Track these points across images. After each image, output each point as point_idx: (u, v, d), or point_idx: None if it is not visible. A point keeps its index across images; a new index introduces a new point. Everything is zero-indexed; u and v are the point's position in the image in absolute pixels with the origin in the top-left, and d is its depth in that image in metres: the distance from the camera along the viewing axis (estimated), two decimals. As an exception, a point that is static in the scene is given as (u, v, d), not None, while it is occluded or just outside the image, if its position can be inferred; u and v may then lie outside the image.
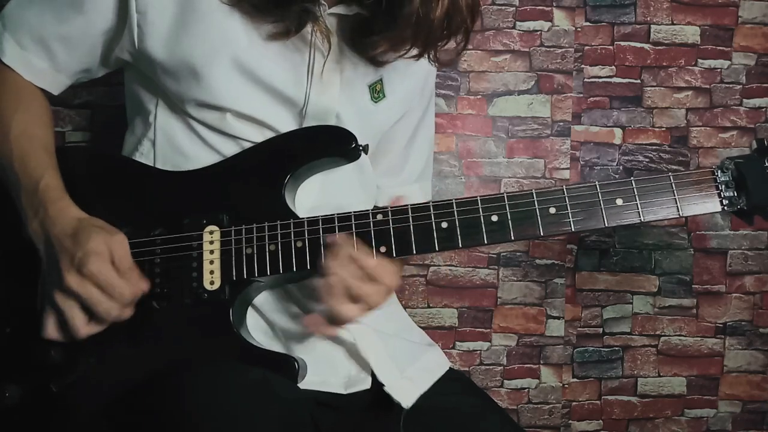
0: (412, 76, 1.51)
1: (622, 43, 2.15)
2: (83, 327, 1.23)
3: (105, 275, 1.20)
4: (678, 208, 1.25)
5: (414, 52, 1.37)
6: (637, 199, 1.24)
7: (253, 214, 1.29)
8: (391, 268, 1.29)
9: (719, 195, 1.25)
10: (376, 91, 1.44)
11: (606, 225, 1.25)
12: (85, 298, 1.20)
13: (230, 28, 1.31)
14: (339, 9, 1.35)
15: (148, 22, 1.31)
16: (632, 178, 1.26)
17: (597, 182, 1.25)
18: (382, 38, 1.34)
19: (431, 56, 1.41)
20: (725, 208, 1.25)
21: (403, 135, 1.59)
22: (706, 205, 1.25)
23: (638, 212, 1.25)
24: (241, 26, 1.32)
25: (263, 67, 1.33)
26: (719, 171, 1.25)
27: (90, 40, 1.37)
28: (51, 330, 1.25)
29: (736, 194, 1.25)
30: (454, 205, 1.26)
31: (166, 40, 1.31)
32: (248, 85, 1.34)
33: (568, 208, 1.25)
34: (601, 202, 1.25)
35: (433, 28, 1.31)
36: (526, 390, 2.20)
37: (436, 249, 1.27)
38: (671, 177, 1.25)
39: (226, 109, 1.34)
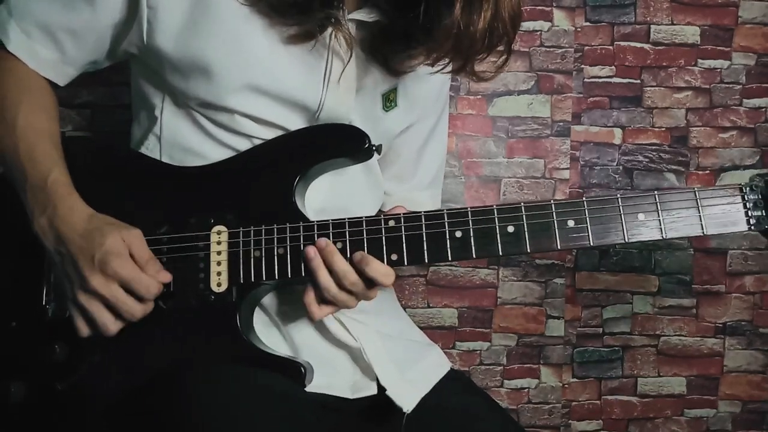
0: (426, 86, 1.49)
1: (622, 43, 2.15)
2: (113, 324, 1.23)
3: (130, 273, 1.20)
4: (702, 226, 1.19)
5: (454, 65, 1.31)
6: (660, 214, 1.20)
7: (261, 215, 1.28)
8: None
9: (746, 214, 1.20)
10: (389, 100, 1.42)
11: (627, 241, 1.20)
12: (109, 297, 1.20)
13: (246, 30, 1.28)
14: (359, 15, 1.32)
15: (159, 19, 1.27)
16: (656, 191, 1.21)
17: (618, 195, 1.21)
18: (419, 52, 1.30)
19: (468, 70, 1.34)
20: (752, 228, 1.20)
21: (414, 141, 1.57)
22: (732, 224, 1.20)
23: (660, 229, 1.19)
24: (259, 29, 1.28)
25: (278, 73, 1.30)
26: (748, 189, 1.20)
27: (98, 33, 1.34)
28: (84, 330, 1.25)
29: (765, 214, 1.19)
30: (469, 213, 1.23)
31: (176, 38, 1.28)
32: (260, 92, 1.31)
33: (588, 222, 1.21)
34: (623, 216, 1.20)
35: (475, 41, 1.25)
36: (526, 390, 2.20)
37: (449, 258, 1.23)
38: (696, 192, 1.20)
39: (236, 111, 1.31)
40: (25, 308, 1.32)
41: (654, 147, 2.16)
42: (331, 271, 1.24)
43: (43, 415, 1.30)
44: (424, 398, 1.42)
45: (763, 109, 2.17)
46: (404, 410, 1.37)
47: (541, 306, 2.18)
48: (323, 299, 1.25)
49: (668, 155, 2.16)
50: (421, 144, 1.59)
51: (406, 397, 1.39)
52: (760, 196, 1.19)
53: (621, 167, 2.16)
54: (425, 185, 1.63)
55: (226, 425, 1.12)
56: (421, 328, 1.67)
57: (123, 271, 1.19)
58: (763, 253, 2.19)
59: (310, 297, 1.25)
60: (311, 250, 1.23)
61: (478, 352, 2.18)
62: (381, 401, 1.39)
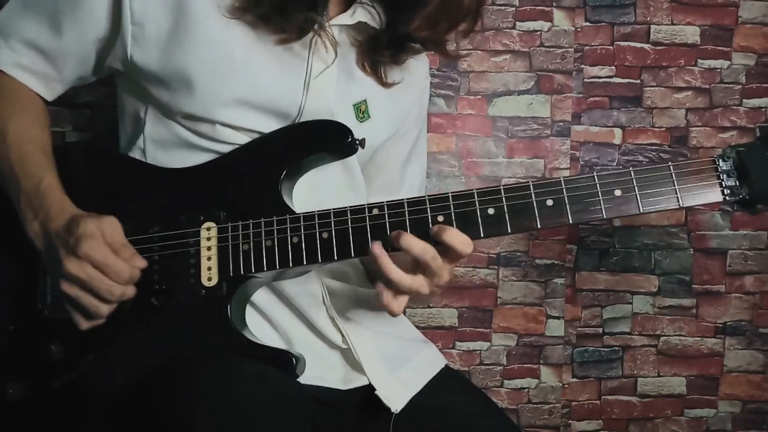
0: (400, 98, 1.49)
1: (622, 43, 2.15)
2: (100, 306, 1.23)
3: (99, 254, 1.20)
4: (678, 199, 1.20)
5: (444, 28, 1.39)
6: (636, 189, 1.20)
7: (250, 210, 1.29)
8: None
9: (720, 184, 1.20)
10: (361, 111, 1.42)
11: (604, 216, 1.21)
12: (85, 279, 1.20)
13: (229, 43, 1.29)
14: (341, 20, 1.34)
15: (144, 34, 1.29)
16: (631, 168, 1.21)
17: (595, 173, 1.22)
18: (416, 17, 1.35)
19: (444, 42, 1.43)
20: (727, 197, 1.20)
21: (400, 153, 1.57)
22: (707, 195, 1.20)
23: (637, 203, 1.20)
24: (242, 40, 1.30)
25: (262, 83, 1.32)
26: (720, 160, 1.20)
27: (84, 50, 1.36)
28: (81, 321, 1.25)
29: (738, 183, 1.19)
30: (450, 198, 1.24)
31: (160, 53, 1.29)
32: (244, 104, 1.32)
33: (566, 200, 1.21)
34: (600, 193, 1.21)
35: (465, 8, 1.35)
36: (526, 390, 2.20)
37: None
38: (671, 167, 1.20)
39: (218, 122, 1.32)
40: (22, 311, 1.33)
41: (654, 147, 2.16)
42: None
43: (41, 413, 1.30)
44: (419, 396, 1.43)
45: (763, 109, 2.17)
46: (392, 410, 1.38)
47: (541, 306, 2.19)
48: (398, 292, 1.23)
49: (668, 155, 2.16)
50: (407, 155, 1.59)
51: (396, 397, 1.40)
52: (732, 167, 1.20)
53: (621, 167, 2.15)
54: (414, 193, 1.60)
55: (224, 418, 1.12)
56: (421, 328, 1.67)
57: (94, 253, 1.19)
58: (763, 253, 2.19)
59: (387, 297, 1.22)
60: (377, 247, 1.21)
61: (478, 352, 2.19)
62: (374, 396, 1.40)
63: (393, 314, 1.24)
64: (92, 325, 1.26)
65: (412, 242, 1.20)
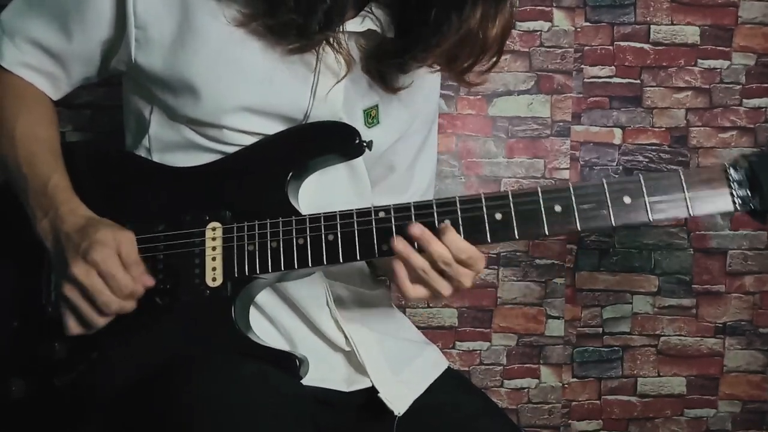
0: (411, 100, 1.46)
1: (622, 44, 2.15)
2: (94, 317, 1.22)
3: (108, 264, 1.19)
4: (688, 207, 1.18)
5: (463, 65, 1.32)
6: (646, 197, 1.18)
7: (255, 211, 1.28)
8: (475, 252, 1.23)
9: (732, 194, 1.18)
10: (371, 117, 1.41)
11: (613, 224, 1.19)
12: (88, 286, 1.20)
13: (235, 50, 1.28)
14: (351, 26, 1.31)
15: (148, 38, 1.28)
16: (640, 175, 1.19)
17: (604, 180, 1.20)
18: (422, 58, 1.30)
19: (464, 77, 1.36)
20: (738, 208, 1.18)
21: (407, 155, 1.56)
22: (718, 204, 1.18)
23: (647, 211, 1.18)
24: (249, 48, 1.28)
25: (269, 90, 1.30)
26: (732, 169, 1.18)
27: (89, 52, 1.35)
28: (72, 326, 1.24)
29: (749, 194, 1.17)
30: (457, 202, 1.23)
31: (164, 57, 1.28)
32: (251, 111, 1.31)
33: (574, 207, 1.20)
34: (609, 200, 1.19)
35: (487, 46, 1.27)
36: (525, 390, 2.21)
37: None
38: (681, 174, 1.18)
39: (225, 127, 1.32)
40: (26, 308, 1.33)
41: (654, 147, 2.16)
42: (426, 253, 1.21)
43: (42, 411, 1.30)
44: (421, 396, 1.43)
45: (763, 109, 2.17)
46: (395, 413, 1.38)
47: (541, 306, 2.19)
48: (418, 279, 1.22)
49: (668, 155, 2.16)
50: (413, 156, 1.57)
51: (399, 399, 1.40)
52: (744, 177, 1.18)
53: (621, 167, 2.16)
54: (419, 195, 1.59)
55: (225, 418, 1.12)
56: (421, 328, 1.67)
57: (103, 262, 1.19)
58: (763, 253, 2.19)
59: (401, 276, 1.22)
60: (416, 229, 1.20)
61: (478, 352, 2.19)
62: (376, 397, 1.39)
63: (408, 297, 1.23)
64: (82, 333, 1.25)
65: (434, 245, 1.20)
